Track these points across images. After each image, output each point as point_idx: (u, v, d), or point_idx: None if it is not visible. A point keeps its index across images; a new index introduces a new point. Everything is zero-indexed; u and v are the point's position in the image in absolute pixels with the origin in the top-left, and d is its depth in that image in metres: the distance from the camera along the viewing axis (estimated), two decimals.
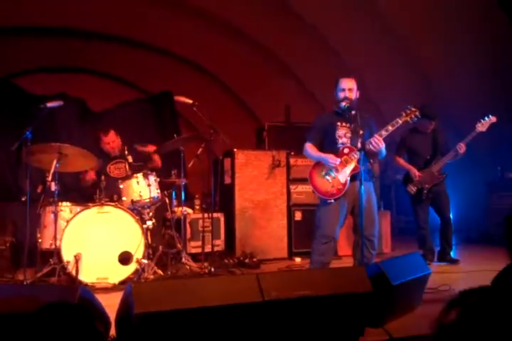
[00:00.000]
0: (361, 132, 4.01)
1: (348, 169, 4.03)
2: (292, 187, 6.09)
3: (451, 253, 5.66)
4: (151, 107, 8.37)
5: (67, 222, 4.19)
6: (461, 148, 5.20)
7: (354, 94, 4.12)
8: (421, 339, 2.89)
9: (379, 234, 6.05)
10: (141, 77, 9.30)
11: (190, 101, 5.09)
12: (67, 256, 4.08)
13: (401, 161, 5.66)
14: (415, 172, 5.46)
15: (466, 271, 5.03)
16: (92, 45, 8.07)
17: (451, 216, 5.70)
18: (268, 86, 8.77)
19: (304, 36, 7.44)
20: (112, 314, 2.54)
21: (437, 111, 5.59)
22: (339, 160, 4.02)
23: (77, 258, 4.00)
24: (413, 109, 4.02)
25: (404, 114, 4.01)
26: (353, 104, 4.07)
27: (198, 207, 6.17)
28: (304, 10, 6.77)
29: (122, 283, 4.14)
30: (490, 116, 5.18)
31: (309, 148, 4.20)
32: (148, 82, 9.35)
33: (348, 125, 4.11)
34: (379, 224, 6.12)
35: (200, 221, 5.50)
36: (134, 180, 4.62)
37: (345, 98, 4.05)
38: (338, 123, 4.11)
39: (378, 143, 3.92)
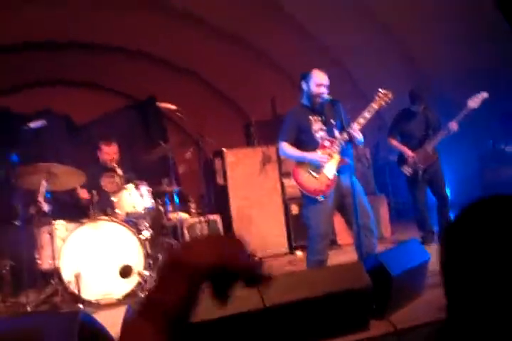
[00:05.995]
0: (333, 122, 3.94)
1: (334, 163, 3.88)
2: (285, 181, 6.05)
3: None
4: (136, 114, 8.34)
5: (64, 240, 4.18)
6: (454, 126, 5.18)
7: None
8: (425, 328, 2.91)
9: (377, 220, 6.06)
10: (124, 84, 9.21)
11: (174, 108, 5.03)
12: (67, 274, 4.07)
13: (394, 142, 5.62)
14: (409, 153, 5.42)
15: None
16: (69, 56, 7.99)
17: (448, 194, 5.69)
18: (252, 79, 8.69)
19: (283, 25, 7.37)
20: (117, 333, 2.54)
21: (425, 91, 5.54)
22: (326, 156, 3.85)
23: (77, 277, 3.99)
24: (384, 92, 3.90)
25: (377, 98, 3.88)
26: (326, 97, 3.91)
27: (194, 211, 6.16)
28: None
29: (126, 296, 4.16)
30: (481, 92, 5.15)
31: (287, 147, 3.97)
32: (131, 87, 9.27)
33: (319, 118, 3.97)
34: (376, 209, 6.13)
35: (198, 225, 5.50)
36: (125, 192, 4.60)
37: (322, 94, 3.89)
38: (311, 117, 3.95)
39: (358, 134, 3.79)
